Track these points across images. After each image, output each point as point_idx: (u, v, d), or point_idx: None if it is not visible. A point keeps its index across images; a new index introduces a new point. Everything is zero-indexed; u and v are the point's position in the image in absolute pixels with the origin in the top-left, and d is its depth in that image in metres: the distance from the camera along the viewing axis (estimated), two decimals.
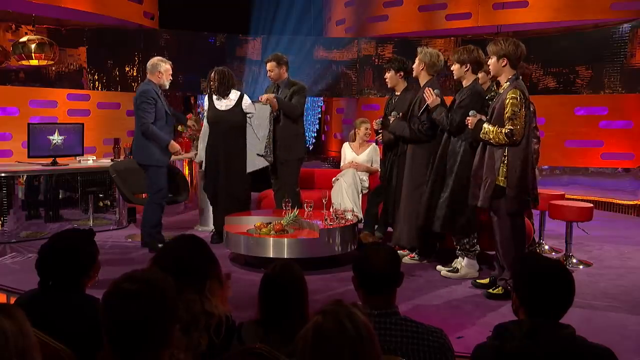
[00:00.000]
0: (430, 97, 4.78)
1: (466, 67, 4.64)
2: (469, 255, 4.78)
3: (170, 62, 5.76)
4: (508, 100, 4.06)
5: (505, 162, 4.09)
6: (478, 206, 4.31)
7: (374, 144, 6.28)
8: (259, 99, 5.81)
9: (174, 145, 5.64)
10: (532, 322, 1.89)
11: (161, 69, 5.63)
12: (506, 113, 4.05)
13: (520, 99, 4.05)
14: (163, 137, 5.58)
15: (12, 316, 1.49)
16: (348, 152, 6.33)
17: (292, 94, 5.80)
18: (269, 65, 5.85)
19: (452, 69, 4.74)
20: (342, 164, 6.38)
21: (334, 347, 1.50)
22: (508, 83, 4.19)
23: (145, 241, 5.64)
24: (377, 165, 6.17)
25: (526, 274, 2.00)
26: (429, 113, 4.85)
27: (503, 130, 4.04)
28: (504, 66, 4.21)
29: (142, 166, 5.66)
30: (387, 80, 5.41)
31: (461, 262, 4.81)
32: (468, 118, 4.38)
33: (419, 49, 5.13)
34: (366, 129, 6.23)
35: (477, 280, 4.63)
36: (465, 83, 4.72)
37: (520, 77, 5.07)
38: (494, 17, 8.22)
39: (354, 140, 6.35)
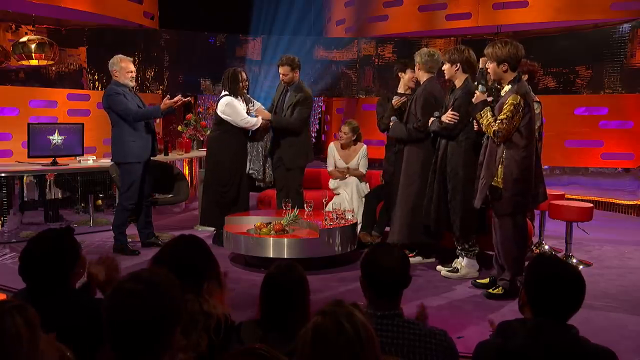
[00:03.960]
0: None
1: (457, 67, 4.66)
2: (468, 255, 4.78)
3: (131, 59, 5.60)
4: (507, 104, 4.08)
5: (503, 164, 4.11)
6: (476, 207, 4.32)
7: (365, 146, 6.25)
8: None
9: (166, 104, 5.44)
10: (536, 322, 1.89)
11: (116, 67, 5.46)
12: (502, 114, 4.08)
13: (518, 105, 4.04)
14: (151, 110, 5.53)
15: (27, 317, 1.50)
16: (336, 156, 6.28)
17: (295, 104, 5.78)
18: (283, 70, 5.77)
19: (443, 68, 4.77)
20: (329, 165, 6.31)
21: (332, 347, 1.50)
22: (510, 86, 4.19)
23: (114, 248, 5.58)
24: (364, 168, 6.17)
25: (539, 273, 1.99)
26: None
27: (493, 127, 4.09)
28: (505, 71, 4.20)
29: (119, 164, 5.57)
30: (408, 79, 5.38)
31: (461, 262, 4.81)
32: (476, 92, 4.38)
33: (416, 55, 5.13)
34: (344, 133, 6.21)
35: (477, 280, 4.63)
36: (457, 83, 4.73)
37: (527, 75, 5.11)
38: (494, 17, 8.21)
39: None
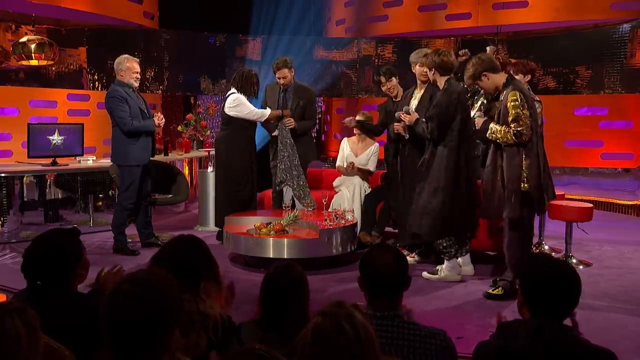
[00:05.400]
0: (407, 117, 4.77)
1: (432, 72, 4.64)
2: (445, 256, 4.71)
3: (137, 60, 5.60)
4: (509, 103, 4.07)
5: (525, 166, 4.07)
6: (505, 217, 4.21)
7: (377, 144, 6.20)
8: (284, 123, 5.75)
9: (157, 120, 5.54)
10: (537, 323, 1.89)
11: (122, 67, 5.46)
12: (510, 116, 4.05)
13: (520, 99, 4.05)
14: (147, 124, 5.47)
15: (27, 319, 1.50)
16: (347, 151, 6.24)
17: (305, 104, 5.83)
18: (281, 73, 5.80)
19: (423, 72, 4.81)
20: (338, 160, 6.27)
21: (332, 348, 1.51)
22: (505, 88, 4.19)
23: (114, 248, 5.59)
24: (373, 166, 6.10)
25: (534, 273, 2.00)
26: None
27: (511, 131, 4.05)
28: (489, 79, 4.23)
29: (119, 166, 5.57)
30: (391, 89, 5.42)
31: (442, 266, 4.77)
32: (476, 119, 4.42)
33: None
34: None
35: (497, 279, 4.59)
36: (440, 86, 4.67)
37: (529, 75, 5.10)
38: (494, 17, 8.21)
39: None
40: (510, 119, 4.05)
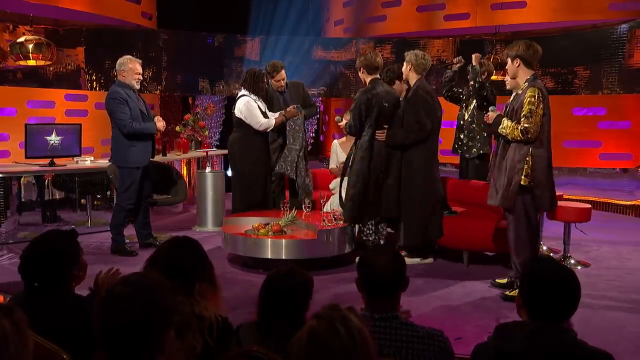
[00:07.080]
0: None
1: (361, 71, 5.14)
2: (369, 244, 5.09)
3: (140, 61, 5.57)
4: (526, 98, 4.12)
5: (530, 162, 4.13)
6: (497, 205, 4.34)
7: None
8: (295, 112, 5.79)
9: (160, 125, 5.54)
10: (534, 324, 1.88)
11: (125, 68, 5.43)
12: (523, 111, 4.12)
13: (537, 97, 4.11)
14: (147, 126, 5.45)
15: (14, 319, 1.49)
16: (339, 152, 6.24)
17: (303, 97, 5.92)
18: (280, 75, 5.88)
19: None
20: (331, 163, 6.26)
21: (326, 351, 1.51)
22: (526, 84, 4.23)
23: (112, 248, 5.59)
24: None
25: (533, 275, 1.99)
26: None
27: (519, 127, 4.11)
28: (517, 66, 4.27)
29: (119, 168, 5.55)
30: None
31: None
32: (487, 114, 4.49)
33: (405, 53, 5.22)
34: (346, 120, 6.12)
35: (497, 280, 4.61)
36: (366, 84, 5.13)
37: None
38: (492, 17, 8.20)
39: None
40: (523, 114, 4.12)
